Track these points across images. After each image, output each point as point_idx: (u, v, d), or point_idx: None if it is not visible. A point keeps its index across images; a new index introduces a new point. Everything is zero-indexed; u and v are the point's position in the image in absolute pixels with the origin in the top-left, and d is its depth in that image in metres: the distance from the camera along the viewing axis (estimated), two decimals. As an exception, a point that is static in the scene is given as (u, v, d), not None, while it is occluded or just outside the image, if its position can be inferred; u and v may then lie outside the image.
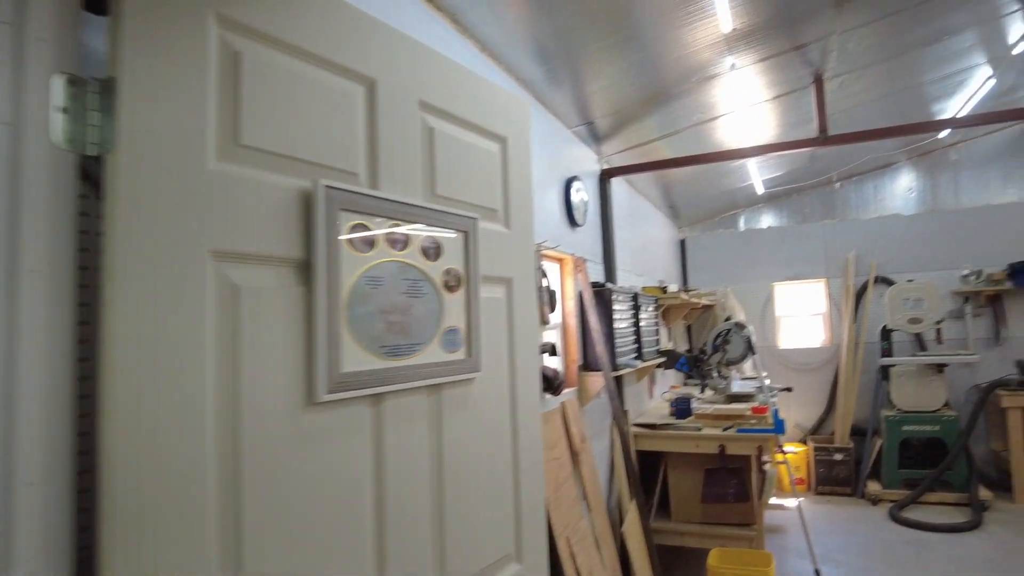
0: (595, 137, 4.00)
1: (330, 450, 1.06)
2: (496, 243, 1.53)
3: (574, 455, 3.01)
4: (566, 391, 3.20)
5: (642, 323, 4.22)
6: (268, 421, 0.97)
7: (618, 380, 3.91)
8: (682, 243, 7.32)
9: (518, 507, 1.54)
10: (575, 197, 3.52)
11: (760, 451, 3.75)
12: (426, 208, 1.26)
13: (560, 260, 3.50)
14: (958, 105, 5.05)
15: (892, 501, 5.61)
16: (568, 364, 3.43)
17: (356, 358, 1.08)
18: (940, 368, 5.74)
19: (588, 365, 3.49)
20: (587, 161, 4.01)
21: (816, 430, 6.70)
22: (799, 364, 6.81)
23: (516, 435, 1.55)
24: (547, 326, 2.92)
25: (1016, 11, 3.46)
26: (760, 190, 6.39)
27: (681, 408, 4.36)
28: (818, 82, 3.75)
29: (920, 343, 6.30)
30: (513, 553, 1.52)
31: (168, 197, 0.88)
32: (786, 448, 6.10)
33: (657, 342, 4.60)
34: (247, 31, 0.99)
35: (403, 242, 1.21)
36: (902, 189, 6.67)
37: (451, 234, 1.34)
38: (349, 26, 1.18)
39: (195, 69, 0.91)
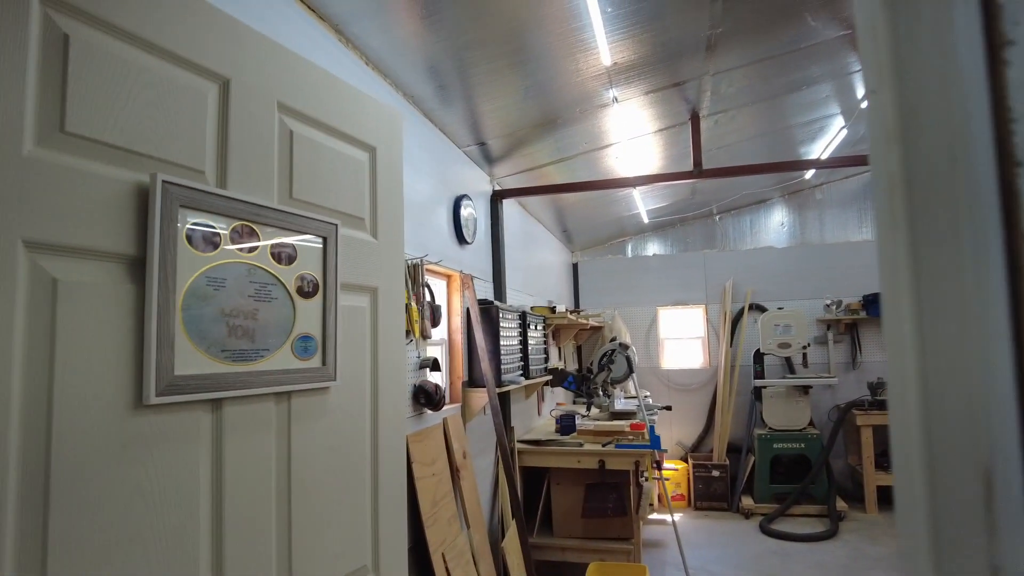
0: (487, 158, 4.07)
1: (160, 457, 1.01)
2: (361, 251, 1.52)
3: (455, 471, 3.00)
4: (448, 407, 3.19)
5: (530, 341, 4.29)
6: (88, 424, 0.91)
7: (504, 397, 3.95)
8: (575, 267, 7.53)
9: (376, 519, 1.52)
10: (464, 214, 3.56)
11: (638, 466, 3.89)
12: (279, 211, 1.24)
13: (448, 276, 3.51)
14: (820, 148, 5.54)
15: (763, 514, 5.95)
16: (453, 380, 3.44)
17: (192, 360, 1.04)
18: (806, 390, 6.19)
19: (473, 381, 3.50)
20: (479, 181, 4.07)
21: (696, 447, 7.02)
22: (681, 384, 7.13)
23: (376, 447, 1.53)
24: (430, 340, 2.92)
25: (860, 71, 3.85)
26: (645, 219, 6.71)
27: (566, 425, 4.45)
28: (694, 119, 4.00)
29: (789, 366, 6.78)
30: (370, 564, 1.49)
31: (-27, 181, 0.82)
32: (667, 465, 6.36)
33: (545, 360, 4.69)
34: (79, 13, 0.94)
35: (253, 243, 1.18)
36: (775, 223, 7.20)
37: (309, 239, 1.32)
38: (204, 23, 1.15)
39: (12, 47, 0.86)
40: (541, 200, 5.44)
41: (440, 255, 3.26)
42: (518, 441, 4.14)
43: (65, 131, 0.92)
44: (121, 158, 0.99)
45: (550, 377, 4.73)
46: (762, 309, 6.82)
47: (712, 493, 6.36)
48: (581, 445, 4.01)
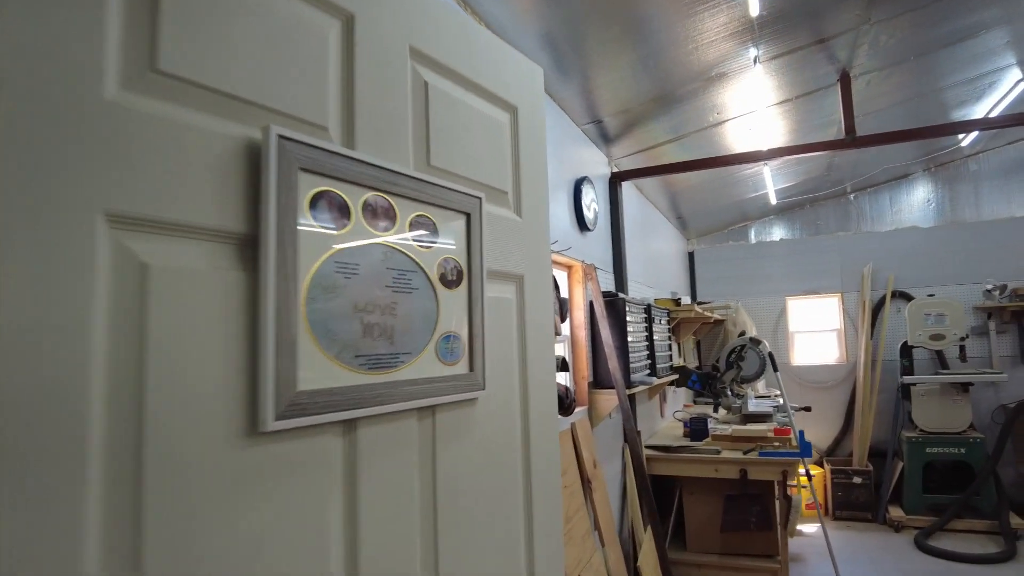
0: (605, 138, 3.74)
1: (281, 497, 0.77)
2: (504, 232, 1.25)
3: (586, 483, 2.71)
4: (577, 410, 2.91)
5: (655, 337, 3.94)
6: (186, 459, 0.68)
7: (631, 399, 3.62)
8: (691, 255, 7.05)
9: (531, 554, 1.25)
10: (585, 199, 3.26)
11: (784, 476, 3.45)
12: (417, 179, 0.99)
13: (569, 267, 3.23)
14: (984, 110, 4.81)
15: (917, 527, 5.29)
16: (578, 380, 3.15)
17: (320, 371, 0.80)
18: (965, 387, 5.45)
19: (599, 382, 3.20)
20: (597, 163, 3.75)
21: (832, 451, 6.38)
22: (813, 382, 6.51)
23: (529, 464, 1.26)
24: (557, 338, 2.64)
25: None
26: (773, 200, 6.14)
27: (697, 429, 4.07)
28: (844, 79, 3.50)
29: (941, 361, 6.02)
30: (524, 609, 1.22)
31: (40, 134, 0.60)
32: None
33: (670, 358, 4.32)
34: (170, -82, 0.72)
35: (388, 220, 0.93)
36: (919, 201, 6.42)
37: (450, 216, 1.06)
38: (321, -56, 0.91)
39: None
40: (656, 184, 5.05)
41: (562, 242, 2.98)
42: (645, 447, 3.80)
43: (158, 70, 0.70)
44: (226, 106, 0.76)
45: (676, 376, 4.35)
46: (907, 297, 6.08)
47: (853, 502, 5.73)
48: (718, 452, 3.62)
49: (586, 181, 3.30)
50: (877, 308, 6.29)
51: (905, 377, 5.65)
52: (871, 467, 5.82)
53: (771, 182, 5.53)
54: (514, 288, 1.28)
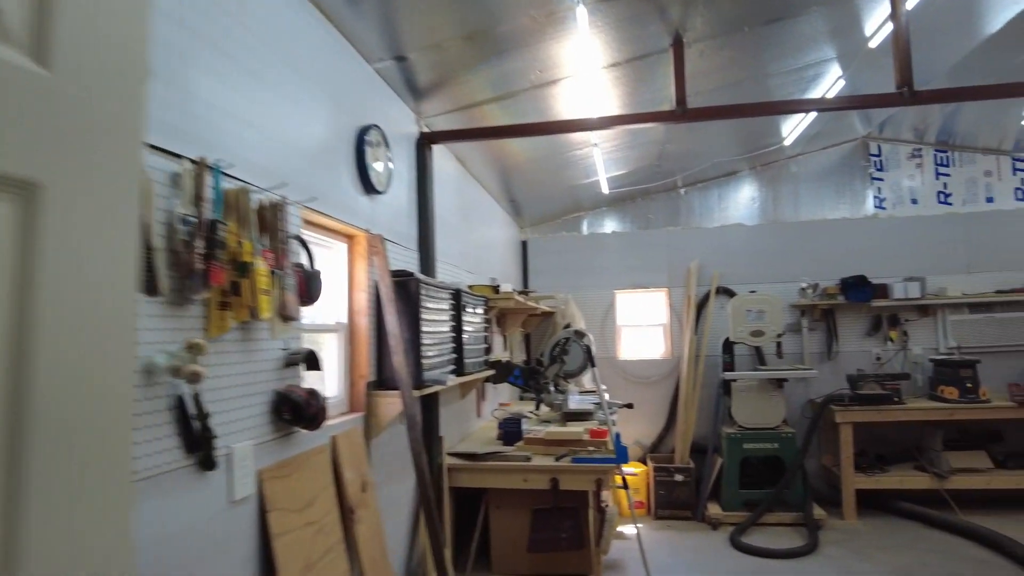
0: (413, 90, 3.13)
1: None
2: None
3: (347, 513, 2.08)
4: (341, 420, 2.27)
5: (467, 328, 3.40)
6: None
7: (431, 399, 3.05)
8: (524, 244, 6.65)
9: None
10: (372, 153, 2.61)
11: (599, 485, 3.05)
12: None
13: (349, 236, 2.57)
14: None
15: (733, 524, 5.23)
16: (355, 380, 2.51)
17: None
18: (780, 383, 5.49)
19: (384, 382, 2.58)
20: (398, 118, 3.13)
21: (656, 447, 6.27)
22: (639, 377, 6.36)
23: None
24: (302, 325, 1.98)
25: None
26: (605, 188, 5.87)
27: (510, 431, 3.59)
28: (677, 45, 3.15)
29: (759, 357, 6.09)
30: None
31: None
32: (626, 469, 5.58)
33: (486, 351, 3.81)
34: None
35: None
36: (745, 198, 6.48)
37: None
38: None
39: None
40: (484, 160, 4.53)
41: (338, 206, 2.32)
42: (449, 454, 3.25)
43: None
44: None
45: (492, 372, 3.85)
46: (730, 293, 6.09)
47: (675, 500, 5.61)
48: (529, 459, 3.15)
49: (373, 130, 2.65)
50: (702, 304, 6.25)
51: (726, 373, 5.61)
52: (692, 464, 5.74)
53: (603, 168, 5.22)
54: (10, 203, 0.62)
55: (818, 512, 5.22)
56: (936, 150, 6.24)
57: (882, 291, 5.90)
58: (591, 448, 3.15)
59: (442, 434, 3.21)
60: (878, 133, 6.23)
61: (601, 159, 5.01)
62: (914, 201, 6.21)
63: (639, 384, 6.35)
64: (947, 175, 6.21)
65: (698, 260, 6.31)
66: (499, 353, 5.12)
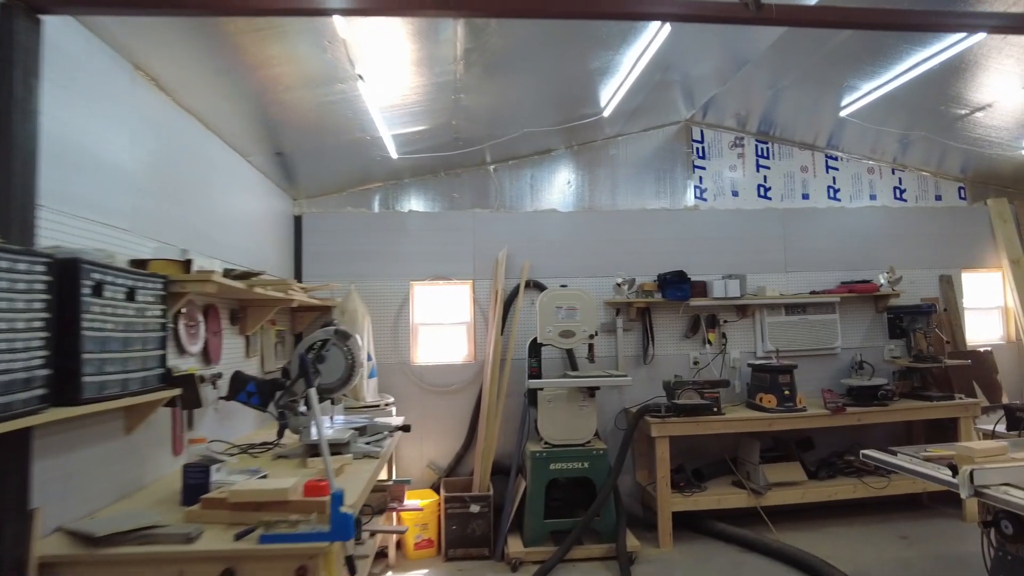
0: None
1: None
2: None
3: None
4: None
5: (111, 325, 2.11)
6: None
7: (18, 439, 1.74)
8: (298, 221, 5.35)
9: None
10: None
11: (304, 574, 1.92)
12: None
13: None
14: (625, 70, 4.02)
15: (537, 562, 4.35)
16: None
17: None
18: (592, 392, 4.71)
19: None
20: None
21: (454, 469, 5.26)
22: (438, 385, 5.33)
23: None
24: None
25: None
26: (393, 152, 4.75)
27: (192, 484, 2.34)
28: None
29: (572, 361, 5.31)
30: None
31: None
32: (410, 502, 4.50)
33: (163, 359, 2.51)
34: None
35: None
36: (560, 182, 5.68)
37: None
38: None
39: None
40: (225, 95, 3.24)
41: None
42: (72, 533, 1.96)
43: None
44: None
45: (175, 391, 2.56)
46: (542, 287, 5.25)
47: (470, 536, 4.63)
48: (192, 538, 1.93)
49: None
50: (511, 299, 5.35)
51: (531, 380, 4.73)
52: (492, 491, 4.80)
53: (381, 120, 4.08)
54: None
55: (632, 542, 4.49)
56: (757, 140, 5.86)
57: (701, 289, 5.36)
58: (294, 518, 2.00)
59: (38, 505, 1.90)
60: (701, 117, 5.72)
61: (377, 107, 3.88)
62: (735, 193, 5.78)
63: (437, 394, 5.31)
64: (767, 167, 5.85)
65: (507, 248, 5.41)
66: (244, 360, 3.81)
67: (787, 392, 4.92)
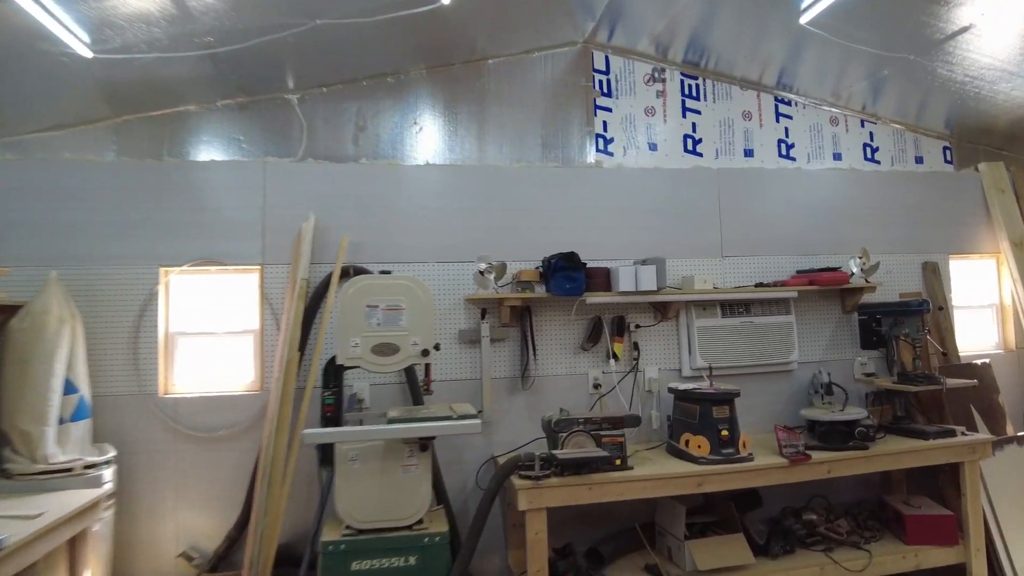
0: None
1: None
2: None
3: None
4: None
5: None
6: None
7: None
8: (-27, 172, 3.38)
9: None
10: None
11: None
12: None
13: None
14: None
15: None
16: None
17: None
18: (424, 444, 2.93)
19: None
20: None
21: (224, 559, 3.39)
22: (204, 428, 3.44)
23: None
24: None
25: None
26: (87, 51, 2.86)
27: None
28: None
29: (412, 389, 3.52)
30: None
31: None
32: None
33: None
34: None
35: None
36: (404, 123, 3.89)
37: None
38: None
39: None
40: None
41: None
42: None
43: None
44: None
45: None
46: (363, 272, 3.43)
47: None
48: None
49: None
50: (319, 294, 3.52)
51: (309, 432, 2.92)
52: (263, 602, 2.97)
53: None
54: None
55: None
56: (684, 74, 4.21)
57: (603, 279, 3.66)
58: None
59: None
60: (606, 38, 4.04)
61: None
62: (652, 146, 4.11)
63: (203, 441, 3.43)
64: (696, 112, 4.21)
65: (317, 217, 3.58)
66: None
67: (725, 433, 3.26)
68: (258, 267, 3.56)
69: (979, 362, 4.31)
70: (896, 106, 4.39)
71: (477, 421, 2.81)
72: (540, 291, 3.58)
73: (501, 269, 3.51)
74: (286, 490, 3.21)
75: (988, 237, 4.59)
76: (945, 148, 4.66)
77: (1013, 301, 4.57)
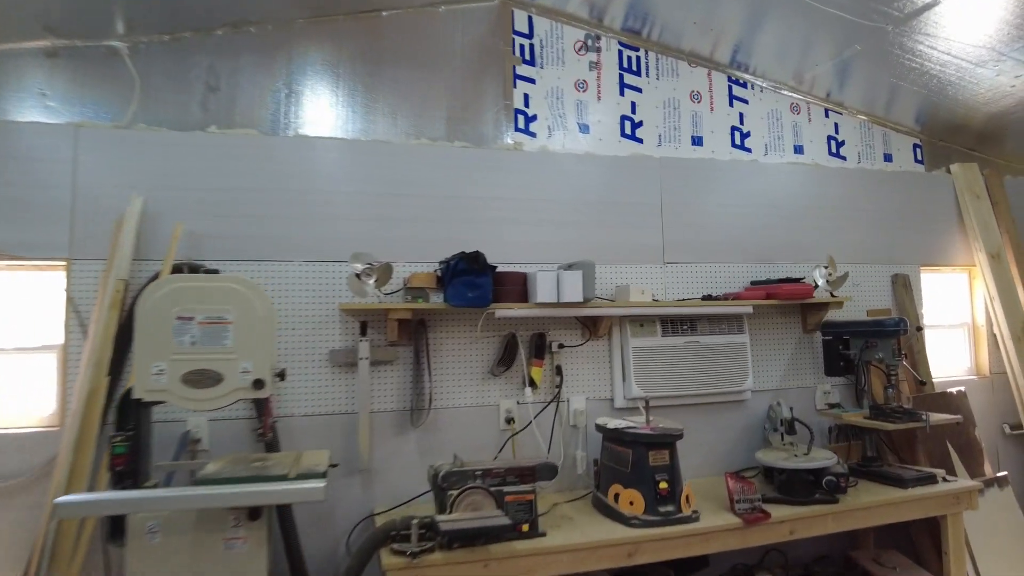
0: None
1: None
2: None
3: None
4: None
5: None
6: None
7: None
8: None
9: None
10: None
11: None
12: None
13: None
14: None
15: None
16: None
17: None
18: (256, 512, 2.12)
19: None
20: None
21: (-4, 659, 2.49)
22: (-23, 480, 2.55)
23: None
24: None
25: None
26: None
27: None
28: None
29: (266, 439, 2.70)
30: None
31: None
32: None
33: None
34: None
35: None
36: (267, 84, 3.07)
37: None
38: None
39: None
40: None
41: None
42: None
43: None
44: None
45: None
46: (212, 273, 2.60)
47: None
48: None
49: None
50: (135, 298, 2.67)
51: (59, 502, 2.08)
52: None
53: None
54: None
55: None
56: (622, 44, 3.53)
57: (516, 286, 2.93)
58: None
59: None
60: (530, -5, 3.33)
61: None
62: (584, 128, 3.41)
63: (-23, 495, 2.53)
64: (637, 90, 3.53)
65: (146, 200, 2.74)
66: None
67: (664, 485, 2.56)
68: (64, 263, 2.69)
69: (954, 391, 3.75)
70: (864, 94, 3.82)
71: (319, 485, 2.01)
72: (437, 301, 2.82)
73: (385, 272, 2.73)
74: (75, 571, 2.35)
75: (961, 248, 4.05)
76: (916, 146, 4.11)
77: (988, 320, 4.04)
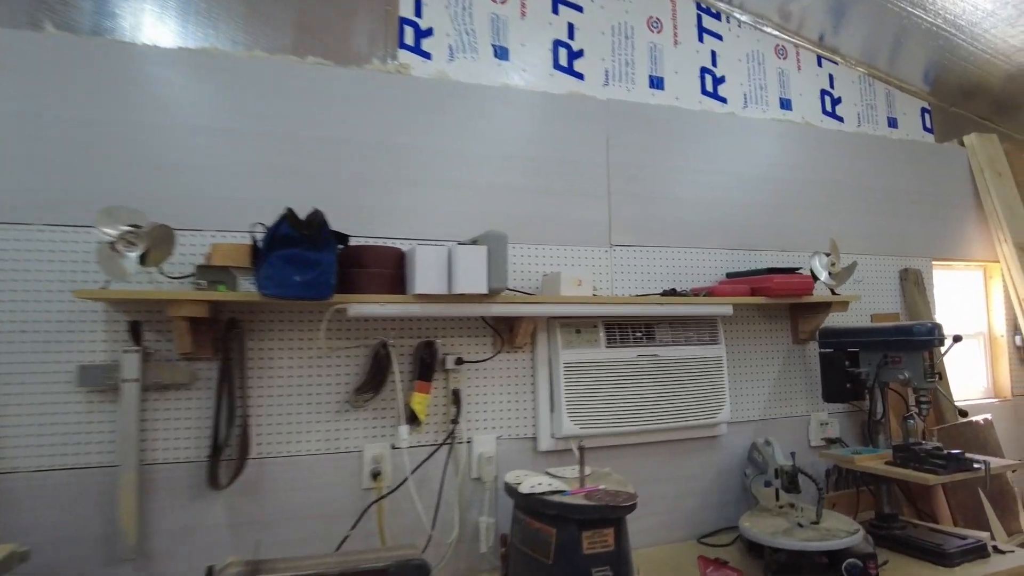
0: None
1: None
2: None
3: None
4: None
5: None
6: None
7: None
8: None
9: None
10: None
11: None
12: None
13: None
14: None
15: None
16: None
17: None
18: None
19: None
20: None
21: None
22: None
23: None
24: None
25: None
26: None
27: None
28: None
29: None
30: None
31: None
32: None
33: None
34: None
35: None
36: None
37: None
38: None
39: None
40: None
41: None
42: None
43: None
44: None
45: None
46: None
47: None
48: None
49: None
50: None
51: None
52: None
53: None
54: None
55: None
56: (556, -55, 2.57)
57: (386, 268, 1.90)
58: None
59: None
60: None
61: None
62: (501, 52, 2.42)
63: None
64: (577, 8, 2.57)
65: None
66: None
67: (607, 588, 1.57)
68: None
69: (979, 419, 2.89)
70: (863, 40, 2.96)
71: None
72: (250, 287, 1.78)
73: (160, 238, 1.67)
74: None
75: (977, 238, 3.23)
76: (924, 111, 3.29)
77: (1011, 329, 3.22)
